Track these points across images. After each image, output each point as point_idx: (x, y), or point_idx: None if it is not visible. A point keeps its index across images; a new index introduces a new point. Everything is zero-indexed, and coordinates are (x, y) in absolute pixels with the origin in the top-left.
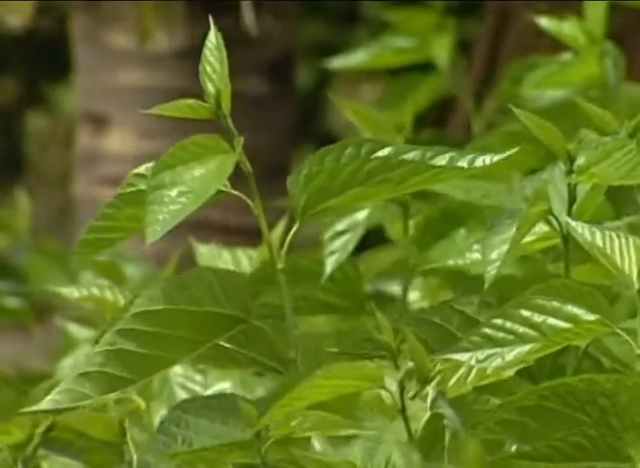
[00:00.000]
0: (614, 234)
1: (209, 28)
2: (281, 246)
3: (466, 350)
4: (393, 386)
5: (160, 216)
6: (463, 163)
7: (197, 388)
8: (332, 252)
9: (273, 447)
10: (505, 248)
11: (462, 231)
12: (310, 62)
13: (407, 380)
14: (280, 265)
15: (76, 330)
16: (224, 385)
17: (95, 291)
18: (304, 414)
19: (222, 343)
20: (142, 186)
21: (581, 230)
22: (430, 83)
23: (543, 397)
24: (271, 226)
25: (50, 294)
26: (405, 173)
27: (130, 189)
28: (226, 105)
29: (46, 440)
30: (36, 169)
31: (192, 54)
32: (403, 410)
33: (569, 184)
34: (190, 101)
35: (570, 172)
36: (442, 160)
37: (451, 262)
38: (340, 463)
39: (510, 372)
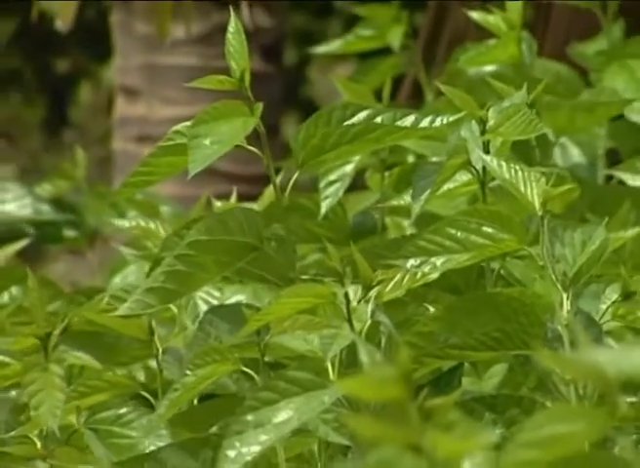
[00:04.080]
0: (517, 167)
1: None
2: (284, 189)
3: (405, 257)
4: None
5: (199, 156)
6: (425, 123)
7: (215, 302)
8: (326, 196)
9: (274, 347)
10: (430, 189)
11: None
12: (295, 46)
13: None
14: (285, 203)
15: (127, 251)
16: (240, 297)
17: (141, 222)
18: (295, 317)
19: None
20: (179, 140)
21: (491, 163)
22: (389, 63)
23: (467, 300)
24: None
25: (102, 226)
26: (381, 133)
27: (169, 142)
28: (247, 79)
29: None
30: (83, 129)
31: (201, 40)
32: (349, 319)
33: (483, 141)
34: (220, 77)
35: (483, 132)
36: (409, 120)
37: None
38: (305, 352)
39: (435, 276)
